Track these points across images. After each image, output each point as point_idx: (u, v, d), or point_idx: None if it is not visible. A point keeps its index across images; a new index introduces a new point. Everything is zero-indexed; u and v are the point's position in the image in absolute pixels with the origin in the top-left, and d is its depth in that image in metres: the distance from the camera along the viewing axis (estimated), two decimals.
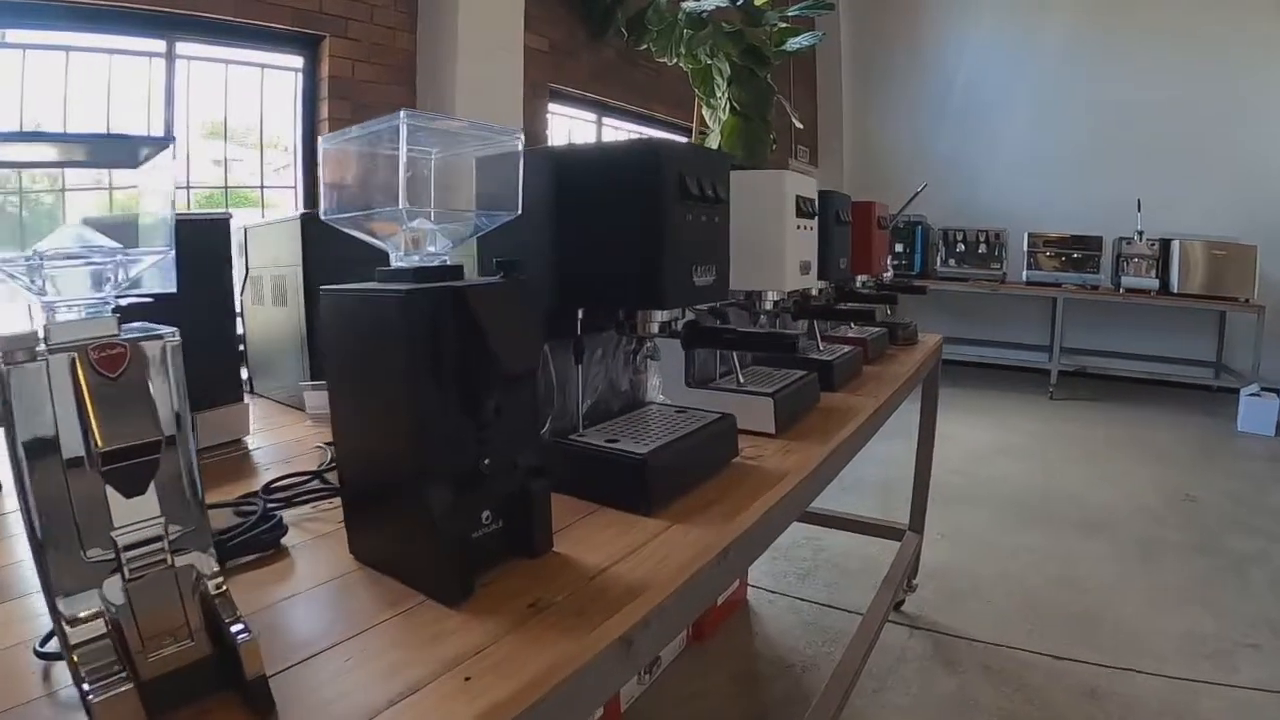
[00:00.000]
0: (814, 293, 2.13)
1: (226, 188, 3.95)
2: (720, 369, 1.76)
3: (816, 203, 1.75)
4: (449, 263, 1.00)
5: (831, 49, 8.64)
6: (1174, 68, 7.45)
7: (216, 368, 1.54)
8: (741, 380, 1.69)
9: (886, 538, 3.42)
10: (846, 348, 2.23)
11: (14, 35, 3.07)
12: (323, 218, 1.04)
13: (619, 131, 6.02)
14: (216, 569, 0.74)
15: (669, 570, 0.99)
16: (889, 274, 2.99)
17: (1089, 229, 7.41)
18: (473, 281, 0.96)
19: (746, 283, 1.68)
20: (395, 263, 0.99)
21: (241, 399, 1.60)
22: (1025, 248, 7.48)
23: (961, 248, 7.80)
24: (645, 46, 5.33)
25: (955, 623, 3.19)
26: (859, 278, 2.57)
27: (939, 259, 7.89)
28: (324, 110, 3.99)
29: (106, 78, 3.34)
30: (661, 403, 1.55)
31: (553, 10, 5.11)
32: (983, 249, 7.75)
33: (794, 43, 5.32)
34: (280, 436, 1.65)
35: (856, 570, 3.70)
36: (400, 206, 0.93)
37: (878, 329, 2.64)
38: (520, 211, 1.06)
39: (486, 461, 0.95)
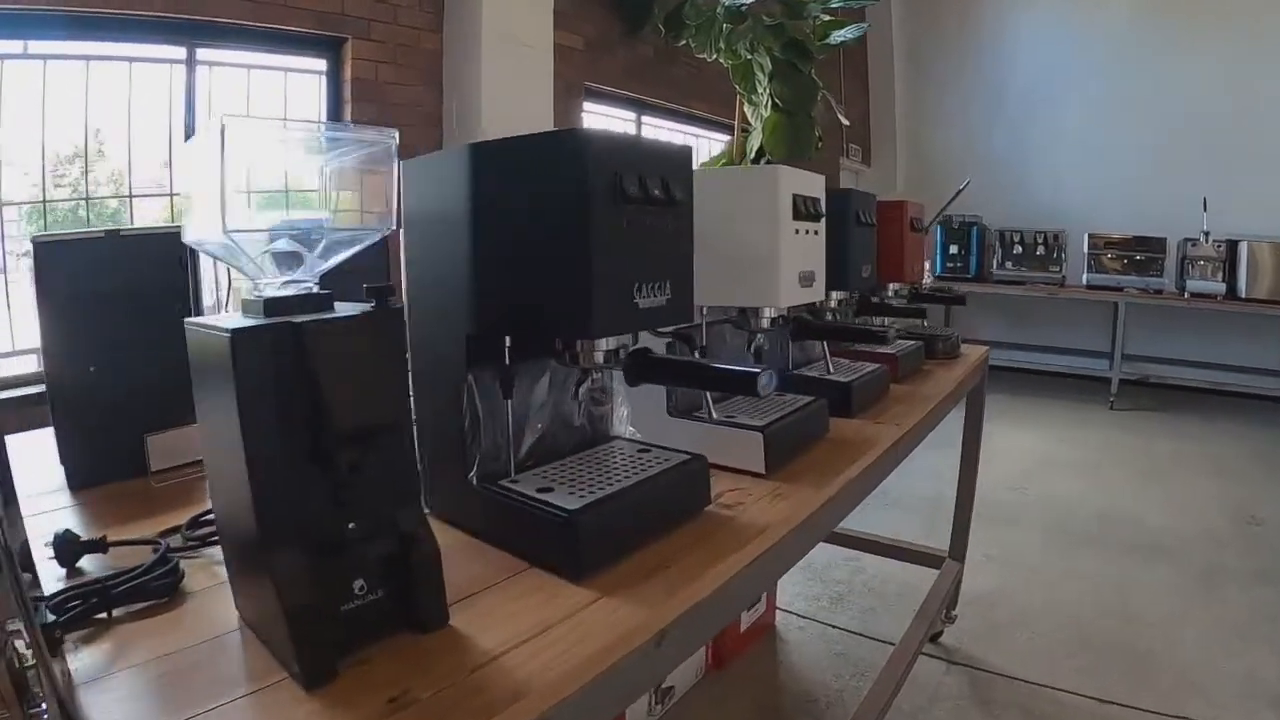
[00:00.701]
0: (833, 304, 1.88)
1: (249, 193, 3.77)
2: (712, 394, 1.51)
3: (821, 202, 1.49)
4: (315, 290, 0.83)
5: (883, 44, 8.30)
6: (1242, 58, 6.95)
7: (171, 385, 1.36)
8: (715, 414, 1.45)
9: (925, 564, 3.13)
10: (871, 366, 1.96)
11: (35, 46, 3.02)
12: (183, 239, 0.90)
13: (659, 131, 5.78)
14: (27, 637, 0.62)
15: (575, 661, 0.80)
16: (928, 279, 2.71)
17: (1152, 230, 6.94)
18: (324, 316, 0.77)
19: (736, 298, 1.43)
20: (260, 290, 0.82)
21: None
22: (1086, 249, 7.06)
23: (1019, 249, 7.40)
24: (684, 42, 5.08)
25: (996, 658, 2.92)
26: (890, 286, 2.30)
27: (995, 261, 7.50)
28: (348, 113, 3.87)
29: (127, 86, 3.27)
30: (629, 438, 1.31)
31: (587, 7, 4.92)
32: (1041, 250, 7.33)
33: (838, 35, 5.01)
34: None
35: (895, 595, 3.43)
36: (221, 226, 0.76)
37: (911, 342, 2.36)
38: (395, 226, 0.87)
39: (352, 525, 0.81)
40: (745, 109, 5.15)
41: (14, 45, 2.97)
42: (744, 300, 1.42)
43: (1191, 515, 4.35)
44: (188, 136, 3.44)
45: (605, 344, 1.03)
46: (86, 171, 3.23)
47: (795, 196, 1.38)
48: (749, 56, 4.85)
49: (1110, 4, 7.46)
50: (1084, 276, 7.08)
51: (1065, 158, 7.79)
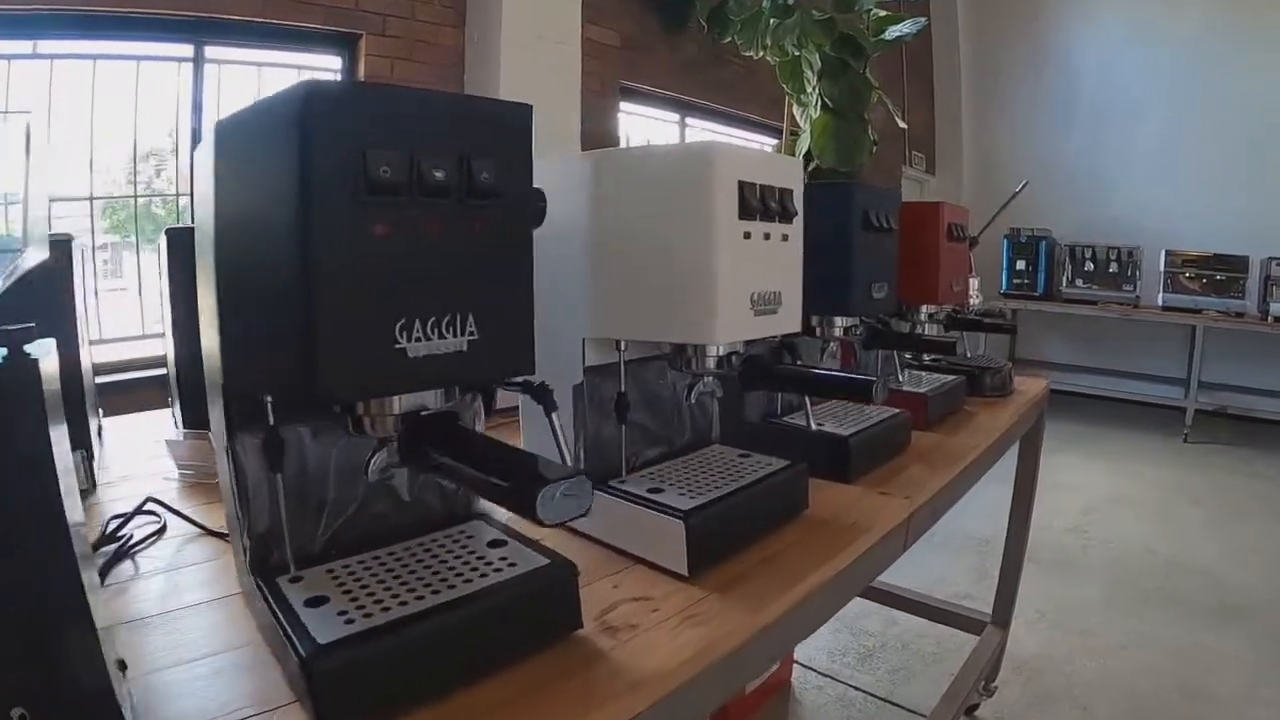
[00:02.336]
0: (838, 332, 1.42)
1: None
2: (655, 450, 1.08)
3: (794, 196, 1.03)
4: None
5: (949, 49, 7.71)
6: None
7: None
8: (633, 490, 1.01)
9: (964, 629, 2.64)
10: (885, 412, 1.50)
11: (43, 46, 2.87)
12: None
13: (705, 134, 5.34)
14: None
15: None
16: (977, 299, 2.22)
17: (1233, 247, 6.25)
18: None
19: (659, 329, 0.99)
20: None
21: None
22: (1162, 267, 6.40)
23: (1090, 266, 6.74)
24: (729, 39, 4.64)
25: None
26: (923, 309, 1.82)
27: (1065, 278, 6.85)
28: None
29: (134, 85, 3.09)
30: (500, 526, 0.88)
31: (624, 2, 4.52)
32: (1114, 268, 6.67)
33: (894, 31, 4.50)
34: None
35: (931, 656, 2.95)
36: None
37: (951, 378, 1.89)
38: None
39: None
40: (794, 110, 4.68)
41: (23, 46, 2.83)
42: (668, 333, 0.98)
43: (1272, 571, 3.73)
44: (194, 139, 3.21)
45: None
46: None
47: (744, 186, 0.93)
48: (796, 53, 4.39)
49: (1186, 8, 6.76)
50: (1159, 297, 6.42)
51: (1141, 169, 7.07)
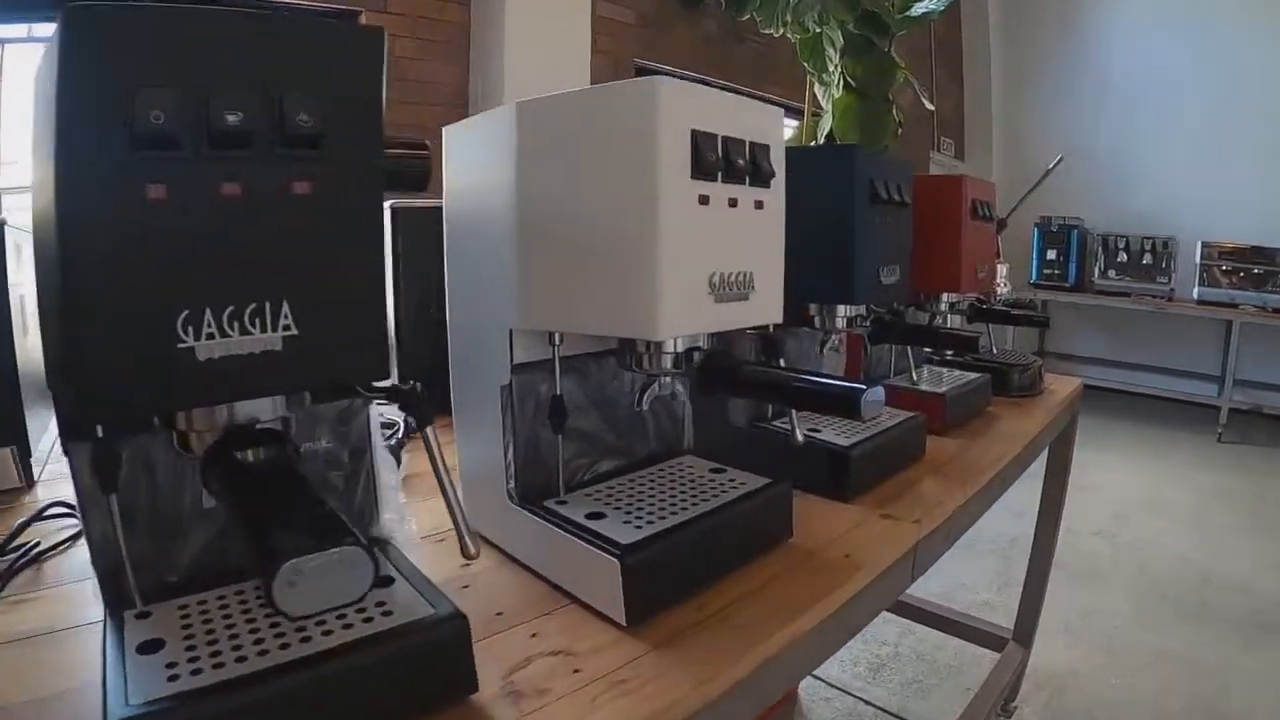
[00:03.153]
0: (840, 323, 1.21)
1: None
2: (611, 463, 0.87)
3: (771, 153, 0.81)
4: None
5: (979, 31, 7.39)
6: None
7: None
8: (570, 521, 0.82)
9: (983, 645, 2.41)
10: (897, 416, 1.29)
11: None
12: None
13: None
14: None
15: None
16: (1005, 288, 1.99)
17: (1273, 239, 5.90)
18: None
19: (600, 321, 0.78)
20: None
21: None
22: (1198, 259, 6.05)
23: (1123, 257, 6.41)
24: (748, 16, 4.38)
25: None
26: (944, 297, 1.60)
27: (1097, 269, 6.54)
28: None
29: None
30: (393, 560, 0.68)
31: None
32: (1148, 259, 6.33)
33: (920, 7, 4.22)
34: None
35: (948, 668, 2.73)
36: None
37: (974, 376, 1.66)
38: None
39: None
40: (816, 90, 4.43)
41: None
42: (607, 325, 0.77)
43: None
44: None
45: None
46: None
47: (699, 136, 0.71)
48: (818, 30, 4.13)
49: None
50: (1194, 290, 6.07)
51: (1177, 157, 6.70)
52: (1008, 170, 7.48)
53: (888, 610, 2.62)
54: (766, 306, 0.84)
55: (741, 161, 0.77)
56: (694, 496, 0.89)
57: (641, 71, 4.43)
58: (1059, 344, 7.39)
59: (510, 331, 0.84)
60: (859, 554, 0.94)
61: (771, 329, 0.89)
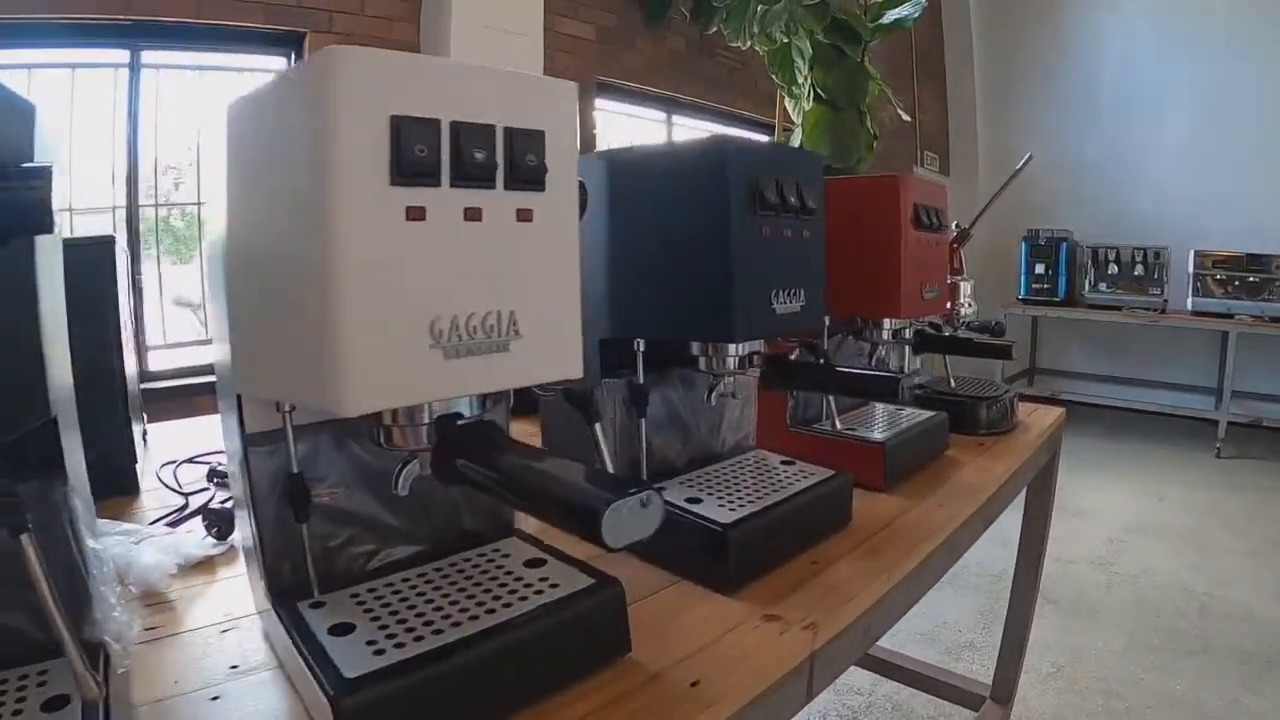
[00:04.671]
0: (732, 364, 0.94)
1: None
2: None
3: (553, 143, 0.58)
4: None
5: (961, 39, 7.12)
6: None
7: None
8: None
9: (958, 703, 2.12)
10: (817, 474, 1.01)
11: None
12: None
13: (693, 132, 4.85)
14: None
15: None
16: (969, 309, 1.70)
17: (1268, 246, 5.57)
18: None
19: (298, 392, 0.54)
20: None
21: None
22: (1191, 269, 5.72)
23: (1114, 269, 6.08)
24: (715, 29, 4.15)
25: None
26: (886, 324, 1.32)
27: (1088, 282, 6.21)
28: None
29: (70, 94, 2.82)
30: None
31: None
32: (1139, 270, 6.00)
33: (892, 14, 3.99)
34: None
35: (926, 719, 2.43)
36: None
37: (926, 415, 1.38)
38: None
39: None
40: (786, 104, 4.18)
41: None
42: (295, 392, 0.57)
43: None
44: (131, 145, 2.90)
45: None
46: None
47: (403, 124, 0.48)
48: (785, 40, 3.88)
49: None
50: (1188, 301, 5.75)
51: (1167, 164, 6.39)
52: (994, 184, 7.18)
53: (855, 665, 2.33)
54: (548, 359, 0.59)
55: (483, 156, 0.52)
56: (499, 599, 0.69)
57: (607, 89, 4.19)
58: (1050, 360, 7.10)
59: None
60: (715, 680, 0.66)
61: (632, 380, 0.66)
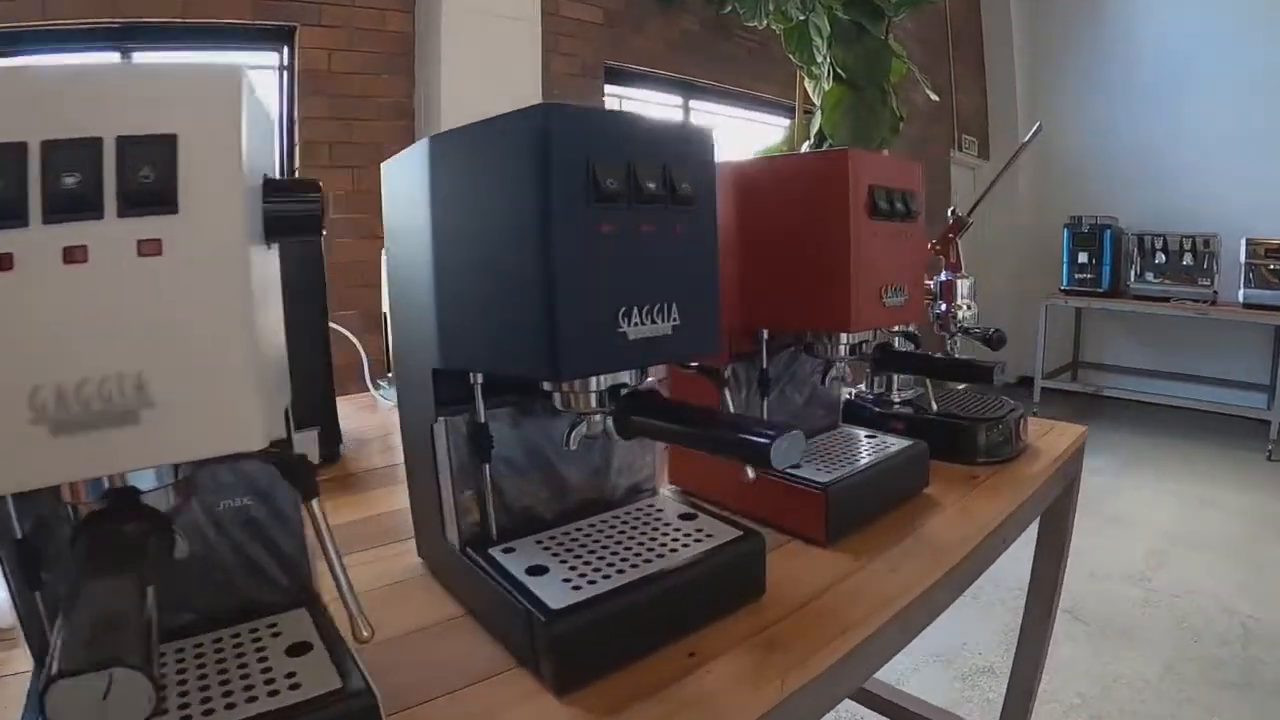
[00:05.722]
0: (593, 399, 0.71)
1: None
2: None
3: (189, 150, 0.44)
4: None
5: (1000, 18, 6.73)
6: None
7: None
8: None
9: None
10: (718, 536, 0.77)
11: None
12: None
13: (713, 116, 4.59)
14: None
15: None
16: (967, 311, 1.44)
17: None
18: None
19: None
20: None
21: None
22: (1243, 258, 5.29)
23: (1161, 258, 5.65)
24: (728, 9, 3.88)
25: None
26: (842, 339, 1.06)
27: (1134, 271, 5.80)
28: (297, 110, 3.10)
29: None
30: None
31: None
32: (1188, 259, 5.57)
33: None
34: None
35: None
36: None
37: (902, 446, 1.12)
38: None
39: None
40: (806, 85, 3.89)
41: None
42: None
43: None
44: None
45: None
46: None
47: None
48: (802, 18, 3.59)
49: None
50: (1239, 292, 5.32)
51: (1218, 148, 5.92)
52: (1035, 169, 6.82)
53: (854, 700, 2.08)
54: (200, 427, 0.45)
55: (81, 179, 0.43)
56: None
57: (616, 74, 3.95)
58: (1094, 354, 6.71)
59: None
60: None
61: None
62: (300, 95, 3.04)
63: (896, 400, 1.33)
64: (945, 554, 0.95)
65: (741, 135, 4.77)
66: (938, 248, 1.40)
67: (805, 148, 3.75)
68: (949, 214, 1.40)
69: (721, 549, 0.78)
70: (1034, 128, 1.54)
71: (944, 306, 1.33)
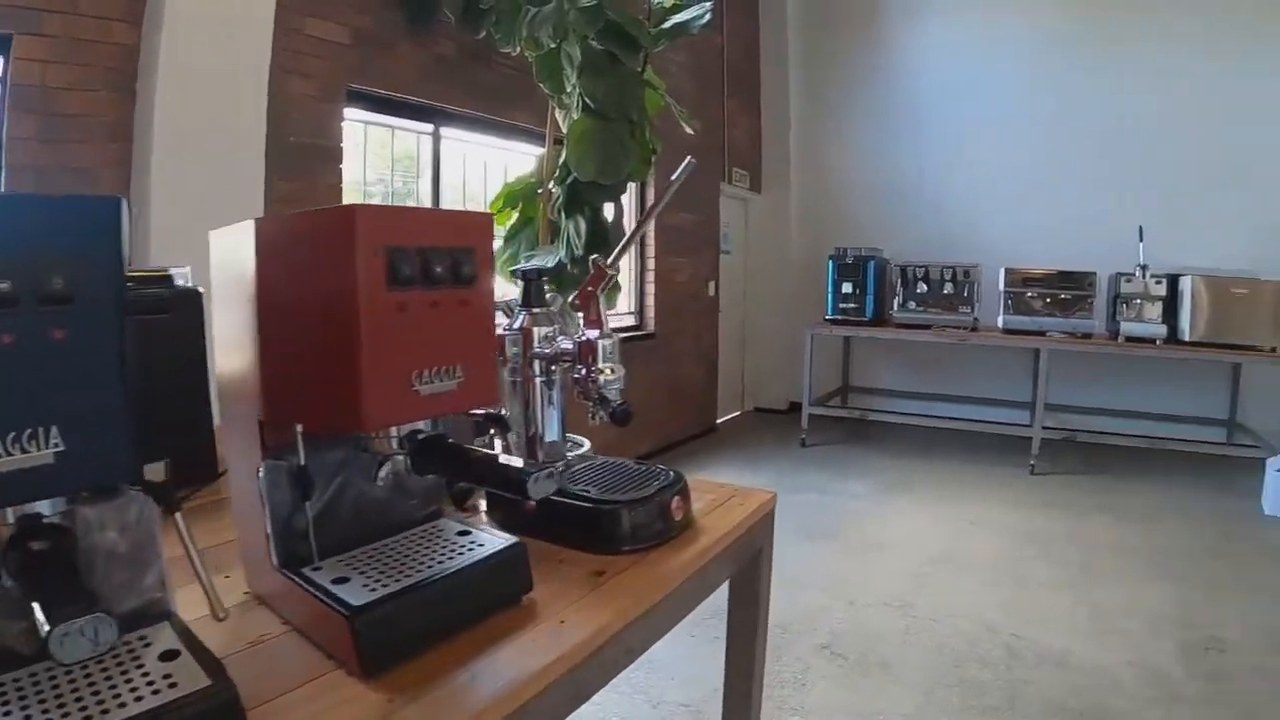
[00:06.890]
0: None
1: None
2: None
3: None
4: None
5: (777, 53, 6.91)
6: (1181, 72, 5.67)
7: None
8: None
9: None
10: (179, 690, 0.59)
11: None
12: None
13: (465, 145, 4.38)
14: None
15: None
16: (609, 376, 1.27)
17: (1079, 263, 5.51)
18: None
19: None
20: None
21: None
22: (1001, 287, 5.60)
23: (923, 287, 5.89)
24: (484, 34, 3.72)
25: None
26: (392, 434, 0.87)
27: (897, 301, 6.01)
28: (3, 127, 2.65)
29: None
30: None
31: None
32: (949, 288, 5.83)
33: (674, 20, 3.63)
34: None
35: None
36: None
37: (500, 544, 0.95)
38: None
39: None
40: (557, 115, 3.76)
41: None
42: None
43: (1133, 644, 2.93)
44: None
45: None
46: None
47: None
48: (554, 45, 3.46)
49: (1028, 11, 6.13)
50: (999, 318, 5.62)
51: (981, 183, 6.36)
52: (807, 203, 7.05)
53: None
54: None
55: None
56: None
57: (361, 98, 3.68)
58: (862, 379, 6.98)
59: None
60: None
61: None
62: (9, 111, 2.62)
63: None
64: (520, 688, 0.77)
65: (495, 166, 4.58)
66: (577, 303, 1.24)
67: (551, 184, 3.62)
68: (590, 264, 1.25)
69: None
70: (684, 163, 1.40)
71: (583, 370, 1.17)
